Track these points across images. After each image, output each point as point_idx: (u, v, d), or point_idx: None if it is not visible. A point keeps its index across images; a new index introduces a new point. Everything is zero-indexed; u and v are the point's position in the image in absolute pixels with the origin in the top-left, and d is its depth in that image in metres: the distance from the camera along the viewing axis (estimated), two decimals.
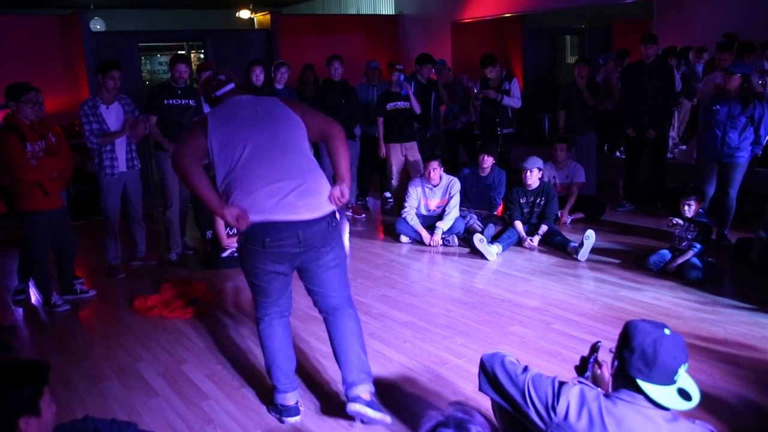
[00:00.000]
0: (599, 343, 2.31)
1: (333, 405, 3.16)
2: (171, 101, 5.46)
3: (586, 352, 2.35)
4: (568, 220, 6.46)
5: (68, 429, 2.30)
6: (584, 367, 2.31)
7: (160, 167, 5.65)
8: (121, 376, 3.59)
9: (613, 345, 1.99)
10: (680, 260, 4.78)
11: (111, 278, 5.34)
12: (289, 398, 3.05)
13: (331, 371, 3.51)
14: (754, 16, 7.82)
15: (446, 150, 8.20)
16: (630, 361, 1.85)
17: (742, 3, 7.80)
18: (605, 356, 2.30)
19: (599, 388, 1.98)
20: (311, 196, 2.83)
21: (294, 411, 3.05)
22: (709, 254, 4.90)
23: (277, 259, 2.84)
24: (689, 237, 4.88)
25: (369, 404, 2.90)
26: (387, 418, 2.90)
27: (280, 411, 3.05)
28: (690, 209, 4.89)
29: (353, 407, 2.88)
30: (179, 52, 10.63)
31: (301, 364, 3.60)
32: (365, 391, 2.94)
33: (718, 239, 5.42)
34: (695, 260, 4.71)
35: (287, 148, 2.87)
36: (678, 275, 4.76)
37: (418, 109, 6.93)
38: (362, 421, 2.94)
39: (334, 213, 2.95)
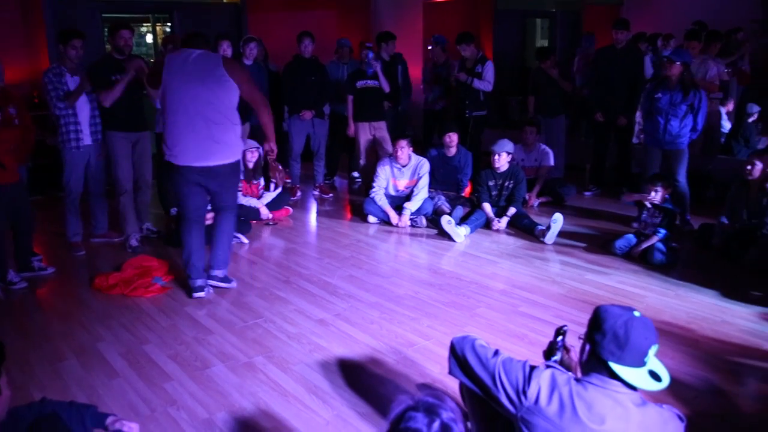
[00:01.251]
0: (565, 327, 2.31)
1: (298, 386, 3.13)
2: (118, 76, 5.00)
3: (552, 335, 2.34)
4: (536, 203, 6.49)
5: (24, 412, 2.22)
6: (551, 351, 2.31)
7: (112, 149, 5.24)
8: (80, 357, 3.50)
9: (579, 329, 1.99)
10: (645, 245, 4.84)
11: (71, 255, 5.20)
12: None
13: (297, 352, 3.48)
14: (724, 5, 7.93)
15: (422, 130, 8.13)
16: (602, 344, 1.84)
17: None
18: (573, 342, 2.31)
19: (570, 373, 1.97)
20: (217, 146, 4.03)
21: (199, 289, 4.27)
22: (673, 239, 4.96)
23: (190, 185, 4.13)
24: (654, 222, 4.93)
25: (222, 279, 4.39)
26: (234, 284, 4.43)
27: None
28: (657, 195, 4.94)
29: (210, 281, 4.36)
30: (144, 24, 10.35)
31: (265, 342, 3.57)
32: (220, 271, 4.38)
33: (680, 225, 5.50)
34: (660, 245, 4.78)
35: (209, 103, 3.96)
36: (643, 259, 4.82)
37: (387, 88, 6.88)
38: (212, 288, 4.34)
39: (237, 162, 4.24)
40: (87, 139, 5.10)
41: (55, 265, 4.89)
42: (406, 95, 7.82)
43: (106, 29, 8.24)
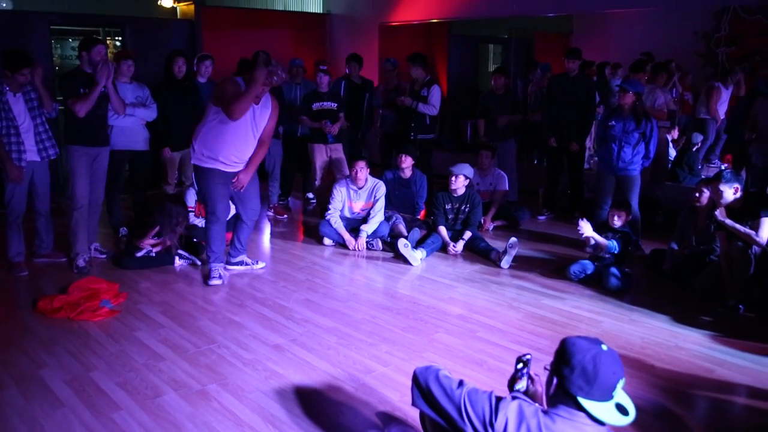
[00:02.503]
0: (527, 356, 2.29)
1: (254, 415, 3.04)
2: (87, 89, 4.90)
3: (511, 360, 2.32)
4: (491, 227, 6.54)
5: None
6: (515, 380, 2.28)
7: (70, 163, 5.09)
8: (21, 385, 3.32)
9: (538, 354, 1.98)
10: (600, 238, 4.95)
11: (12, 276, 4.97)
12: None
13: (253, 379, 3.38)
14: (668, 37, 8.21)
15: (381, 153, 8.09)
16: (570, 379, 1.83)
17: (654, 23, 8.17)
18: (537, 370, 2.30)
19: (536, 404, 1.96)
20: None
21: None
22: (626, 265, 5.06)
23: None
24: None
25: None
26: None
27: None
28: (620, 220, 5.04)
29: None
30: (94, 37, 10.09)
31: (219, 368, 3.46)
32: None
33: (632, 250, 5.60)
34: (615, 270, 4.85)
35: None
36: (598, 284, 4.89)
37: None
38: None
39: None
40: (31, 155, 4.91)
41: None
42: (366, 123, 7.84)
43: (53, 41, 8.03)
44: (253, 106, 4.56)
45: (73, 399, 3.18)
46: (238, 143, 4.66)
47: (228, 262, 5.20)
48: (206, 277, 4.96)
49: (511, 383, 2.28)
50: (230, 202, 5.05)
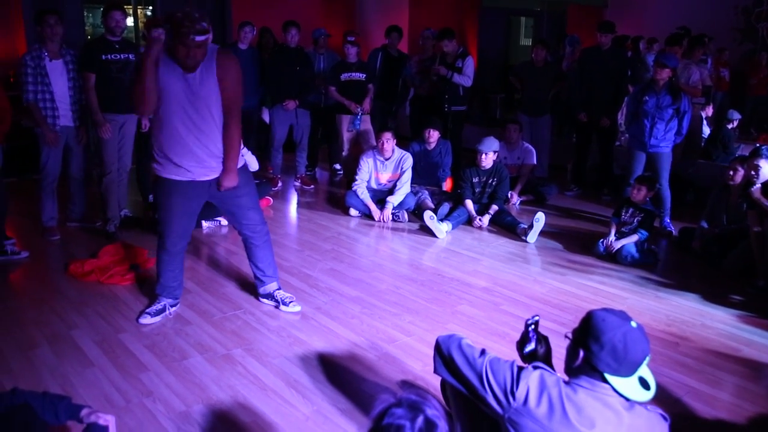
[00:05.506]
0: (536, 317, 2.28)
1: (278, 379, 3.08)
2: (110, 56, 4.97)
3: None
4: (517, 202, 6.49)
5: None
6: (524, 341, 2.27)
7: (98, 134, 5.15)
8: (53, 344, 3.41)
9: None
10: (624, 241, 4.86)
11: (45, 240, 5.08)
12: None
13: (277, 345, 3.43)
14: (706, 12, 8.00)
15: (412, 126, 8.04)
16: (599, 356, 1.81)
17: None
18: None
19: (558, 374, 1.96)
20: None
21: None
22: (651, 242, 4.99)
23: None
24: (635, 222, 4.96)
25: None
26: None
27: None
28: (639, 193, 4.96)
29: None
30: (126, 6, 10.13)
31: (245, 334, 3.51)
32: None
33: (660, 228, 5.54)
34: (631, 245, 4.81)
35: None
36: (613, 258, 4.85)
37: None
38: None
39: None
40: (66, 120, 4.98)
41: (29, 250, 4.77)
42: (402, 97, 7.84)
43: (85, 11, 8.07)
44: (185, 78, 3.35)
45: (102, 359, 3.26)
46: (185, 133, 3.42)
47: (259, 295, 4.04)
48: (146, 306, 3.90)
49: (521, 345, 2.28)
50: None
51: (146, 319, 3.68)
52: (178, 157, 3.46)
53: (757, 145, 5.25)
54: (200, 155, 3.47)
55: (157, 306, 3.75)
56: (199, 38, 3.20)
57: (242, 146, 5.59)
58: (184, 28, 3.16)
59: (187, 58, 3.27)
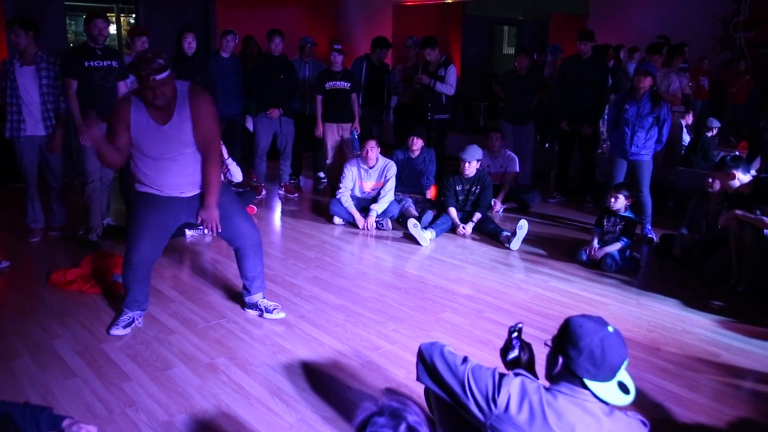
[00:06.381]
0: (519, 325, 2.31)
1: (261, 388, 3.08)
2: (93, 63, 4.96)
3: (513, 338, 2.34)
4: (501, 209, 6.53)
5: None
6: (507, 349, 2.30)
7: (80, 139, 5.11)
8: (35, 355, 3.38)
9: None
10: (607, 249, 4.91)
11: (27, 245, 5.04)
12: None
13: (261, 353, 3.42)
14: (685, 21, 8.10)
15: (395, 133, 8.07)
16: (577, 362, 1.84)
17: (672, 5, 8.06)
18: (534, 344, 2.32)
19: (539, 381, 1.98)
20: None
21: None
22: (632, 249, 5.05)
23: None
24: (617, 230, 5.01)
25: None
26: None
27: None
28: (616, 202, 5.01)
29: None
30: (108, 14, 10.10)
31: (228, 343, 3.50)
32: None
33: (641, 235, 5.60)
34: (614, 252, 4.86)
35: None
36: (596, 266, 4.90)
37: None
38: None
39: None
40: (36, 130, 4.97)
41: (11, 259, 4.73)
42: (386, 106, 7.94)
43: (68, 18, 8.03)
44: (156, 127, 3.36)
45: (84, 369, 3.24)
46: (161, 165, 3.45)
47: (245, 305, 4.03)
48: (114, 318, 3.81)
49: (504, 353, 2.30)
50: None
51: (118, 331, 3.63)
52: (155, 182, 3.50)
53: (736, 153, 5.34)
54: (179, 181, 3.51)
55: (126, 318, 3.70)
56: (159, 77, 3.19)
57: (227, 157, 5.62)
58: (142, 72, 3.18)
59: (155, 99, 3.26)
